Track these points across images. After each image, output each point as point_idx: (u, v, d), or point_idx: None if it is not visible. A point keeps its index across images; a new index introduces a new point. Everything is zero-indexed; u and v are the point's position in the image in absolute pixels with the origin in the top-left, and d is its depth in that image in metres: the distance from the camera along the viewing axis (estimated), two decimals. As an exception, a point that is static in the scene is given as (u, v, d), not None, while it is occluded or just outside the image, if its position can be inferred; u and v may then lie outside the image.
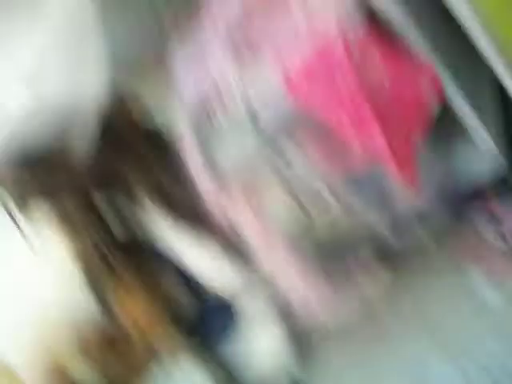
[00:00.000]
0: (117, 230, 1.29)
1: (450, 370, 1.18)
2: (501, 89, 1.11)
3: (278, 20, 1.18)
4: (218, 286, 1.31)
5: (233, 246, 1.19)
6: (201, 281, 1.36)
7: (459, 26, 0.98)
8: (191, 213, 1.18)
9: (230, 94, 1.12)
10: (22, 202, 1.22)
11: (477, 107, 1.19)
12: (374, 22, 1.07)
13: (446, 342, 1.22)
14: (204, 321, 1.53)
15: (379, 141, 1.01)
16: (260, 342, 1.43)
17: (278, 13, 1.18)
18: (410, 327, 1.28)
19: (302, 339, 1.42)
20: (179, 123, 1.13)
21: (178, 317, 1.51)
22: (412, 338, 1.27)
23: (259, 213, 1.17)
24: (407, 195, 1.11)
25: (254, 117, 1.05)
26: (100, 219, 1.27)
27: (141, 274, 1.43)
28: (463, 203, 1.37)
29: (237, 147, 1.08)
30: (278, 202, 1.19)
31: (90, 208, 1.24)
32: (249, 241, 1.17)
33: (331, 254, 1.30)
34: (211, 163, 1.10)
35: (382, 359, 1.29)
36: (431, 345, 1.23)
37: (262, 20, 1.19)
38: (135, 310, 1.44)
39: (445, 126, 1.30)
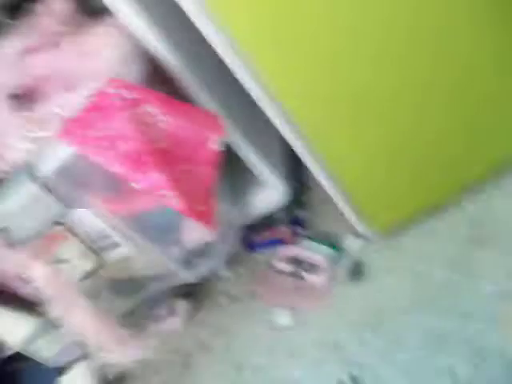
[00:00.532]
0: None
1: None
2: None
3: (57, 62, 1.18)
4: (15, 341, 1.24)
5: (24, 301, 1.14)
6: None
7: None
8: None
9: (6, 142, 1.08)
10: None
11: (260, 150, 1.26)
12: (155, 69, 1.10)
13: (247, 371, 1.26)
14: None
15: (160, 181, 1.02)
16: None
17: (57, 56, 1.18)
18: (216, 360, 1.31)
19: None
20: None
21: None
22: (214, 368, 1.30)
23: (49, 264, 1.14)
24: (199, 231, 1.13)
25: (30, 166, 1.02)
26: None
27: None
28: (255, 234, 1.43)
29: (17, 199, 1.04)
30: (68, 248, 1.16)
31: None
32: (41, 290, 1.13)
33: (127, 291, 1.30)
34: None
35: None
36: (235, 375, 1.27)
37: (40, 64, 1.18)
38: None
39: (237, 169, 1.37)
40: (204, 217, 1.07)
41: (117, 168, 1.00)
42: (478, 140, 1.15)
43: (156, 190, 1.02)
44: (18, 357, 1.33)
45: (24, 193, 1.04)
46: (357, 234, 1.28)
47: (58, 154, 1.01)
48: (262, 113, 1.10)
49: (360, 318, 1.18)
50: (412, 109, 1.10)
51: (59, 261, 1.17)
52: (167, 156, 1.06)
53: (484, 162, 1.17)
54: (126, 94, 1.03)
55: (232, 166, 1.36)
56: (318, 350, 1.18)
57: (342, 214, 1.25)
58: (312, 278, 1.27)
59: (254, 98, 1.07)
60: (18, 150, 1.07)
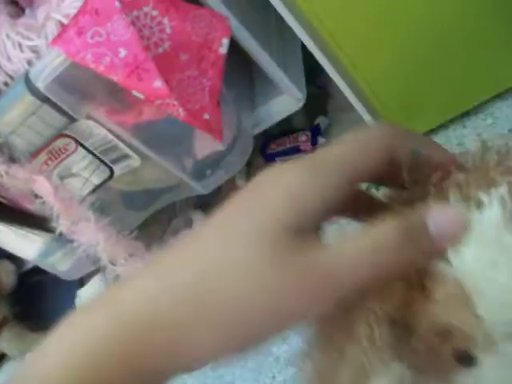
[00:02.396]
0: None
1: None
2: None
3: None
4: (26, 254, 1.24)
5: (29, 214, 1.12)
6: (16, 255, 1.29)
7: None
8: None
9: (2, 51, 1.03)
10: None
11: (275, 54, 1.18)
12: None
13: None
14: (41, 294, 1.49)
15: (163, 89, 0.97)
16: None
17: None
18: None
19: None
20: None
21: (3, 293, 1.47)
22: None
23: (58, 178, 1.11)
24: (210, 141, 1.08)
25: (28, 76, 0.97)
26: None
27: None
28: (273, 143, 1.38)
29: (16, 111, 1.00)
30: (76, 161, 1.13)
31: None
32: (48, 205, 1.10)
33: (139, 204, 1.27)
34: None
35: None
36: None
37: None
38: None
39: (244, 72, 1.30)
40: (210, 125, 1.02)
41: (117, 76, 0.94)
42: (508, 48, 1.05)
43: (159, 98, 0.97)
44: (38, 270, 1.33)
45: (23, 105, 0.99)
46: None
47: (55, 63, 0.95)
48: (278, 16, 1.02)
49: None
50: (437, 5, 1.00)
51: (68, 174, 1.14)
52: (170, 61, 1.00)
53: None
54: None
55: (247, 72, 1.30)
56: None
57: (363, 122, 1.17)
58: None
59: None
60: (15, 59, 1.01)
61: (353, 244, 0.28)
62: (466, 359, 0.37)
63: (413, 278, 0.36)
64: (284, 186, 0.30)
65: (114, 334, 0.27)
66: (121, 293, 0.30)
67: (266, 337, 0.28)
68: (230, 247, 0.26)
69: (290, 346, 1.08)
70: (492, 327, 0.35)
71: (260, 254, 0.25)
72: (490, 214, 0.34)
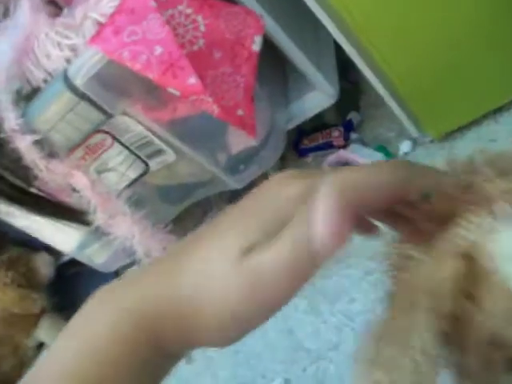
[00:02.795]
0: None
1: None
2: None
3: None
4: (64, 246, 1.27)
5: (67, 208, 1.15)
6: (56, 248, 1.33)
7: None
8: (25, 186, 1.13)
9: (42, 49, 1.06)
10: None
11: (308, 51, 1.19)
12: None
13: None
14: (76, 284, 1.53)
15: (198, 86, 0.98)
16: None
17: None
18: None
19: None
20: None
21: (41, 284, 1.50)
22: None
23: (95, 172, 1.14)
24: (243, 136, 1.09)
25: (67, 74, 1.00)
26: None
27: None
28: (306, 138, 1.39)
29: (55, 108, 1.03)
30: (113, 156, 1.16)
31: None
32: (85, 199, 1.13)
33: (174, 198, 1.29)
34: (29, 124, 1.05)
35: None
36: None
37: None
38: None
39: (278, 69, 1.31)
40: (244, 121, 1.03)
41: (153, 74, 0.96)
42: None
43: (194, 94, 0.99)
44: (75, 262, 1.37)
45: (62, 102, 1.02)
46: (410, 138, 1.21)
47: (93, 61, 0.97)
48: (311, 13, 1.03)
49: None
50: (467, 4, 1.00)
51: (105, 169, 1.17)
52: (205, 59, 1.01)
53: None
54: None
55: (280, 68, 1.31)
56: (366, 261, 1.15)
57: (395, 118, 1.18)
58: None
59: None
60: (54, 57, 1.04)
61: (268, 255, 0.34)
62: None
63: (462, 287, 0.36)
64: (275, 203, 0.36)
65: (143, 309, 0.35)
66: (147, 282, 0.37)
67: (246, 320, 0.36)
68: (214, 261, 0.34)
69: (321, 340, 1.09)
70: None
71: (229, 265, 0.33)
72: None
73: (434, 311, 0.36)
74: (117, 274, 1.41)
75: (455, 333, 0.38)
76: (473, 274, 0.36)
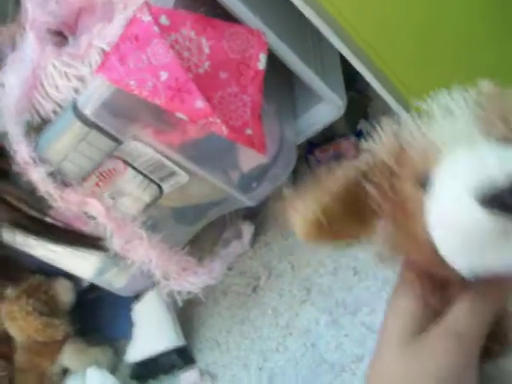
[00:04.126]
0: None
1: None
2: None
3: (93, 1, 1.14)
4: (82, 273, 1.28)
5: (83, 235, 1.16)
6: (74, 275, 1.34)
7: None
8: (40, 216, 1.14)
9: (50, 81, 1.07)
10: None
11: (313, 63, 1.19)
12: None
13: (311, 290, 1.25)
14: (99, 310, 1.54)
15: (206, 109, 0.99)
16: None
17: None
18: (283, 282, 1.30)
19: (179, 312, 1.43)
20: (3, 120, 1.08)
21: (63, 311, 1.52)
22: (285, 294, 1.29)
23: (109, 198, 1.15)
24: (251, 154, 1.10)
25: (76, 104, 1.01)
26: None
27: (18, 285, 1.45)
28: (317, 150, 1.39)
29: (65, 138, 1.04)
30: (126, 181, 1.16)
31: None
32: (101, 225, 1.14)
33: (189, 218, 1.30)
34: (41, 156, 1.06)
35: (256, 315, 1.31)
36: (302, 296, 1.26)
37: (79, 3, 1.15)
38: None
39: (283, 83, 1.31)
40: (253, 140, 1.03)
41: (160, 100, 0.97)
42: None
43: (202, 118, 0.99)
44: (95, 287, 1.37)
45: (72, 131, 1.03)
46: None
47: (99, 91, 0.98)
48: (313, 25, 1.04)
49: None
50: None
51: (119, 195, 1.17)
52: (211, 81, 1.02)
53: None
54: (161, 19, 0.98)
55: (286, 82, 1.31)
56: (383, 270, 1.14)
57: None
58: (375, 194, 1.22)
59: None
60: (62, 88, 1.05)
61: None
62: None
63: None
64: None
65: None
66: None
67: None
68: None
69: (344, 353, 1.09)
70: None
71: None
72: None
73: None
74: (137, 297, 1.42)
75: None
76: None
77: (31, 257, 1.24)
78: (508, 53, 1.07)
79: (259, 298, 1.31)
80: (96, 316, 1.56)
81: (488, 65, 1.07)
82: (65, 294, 1.52)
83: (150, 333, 1.38)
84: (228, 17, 1.07)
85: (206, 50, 1.02)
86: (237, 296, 1.35)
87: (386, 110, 1.23)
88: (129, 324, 1.44)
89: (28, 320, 1.46)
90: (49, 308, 1.50)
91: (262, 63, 1.04)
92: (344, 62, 1.21)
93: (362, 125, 1.36)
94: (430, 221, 0.42)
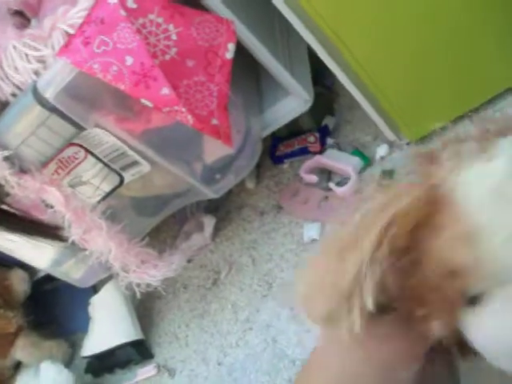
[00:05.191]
0: None
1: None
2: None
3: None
4: (39, 263, 1.25)
5: (41, 224, 1.12)
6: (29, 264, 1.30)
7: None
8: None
9: (10, 62, 1.03)
10: None
11: (281, 56, 1.18)
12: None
13: (273, 284, 1.24)
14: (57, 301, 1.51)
15: (171, 96, 0.97)
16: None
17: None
18: (244, 276, 1.29)
19: (138, 305, 1.40)
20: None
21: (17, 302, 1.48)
22: (243, 284, 1.28)
23: (69, 186, 1.12)
24: (218, 145, 1.08)
25: (36, 87, 0.97)
26: None
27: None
28: (281, 145, 1.38)
29: (25, 122, 1.00)
30: (87, 169, 1.13)
31: None
32: (60, 214, 1.11)
33: (150, 209, 1.27)
34: (2, 140, 1.02)
35: (216, 309, 1.29)
36: (263, 291, 1.25)
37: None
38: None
39: (251, 75, 1.30)
40: (219, 130, 1.02)
41: (125, 85, 0.95)
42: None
43: (168, 105, 0.97)
44: (51, 278, 1.34)
45: (31, 115, 1.00)
46: (387, 142, 1.21)
47: (61, 74, 0.95)
48: (284, 18, 1.02)
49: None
50: (442, 9, 1.00)
51: (78, 183, 1.14)
52: (177, 68, 1.00)
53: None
54: (128, 2, 0.96)
55: (254, 75, 1.30)
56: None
57: (370, 121, 1.17)
58: (339, 190, 1.21)
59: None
60: (22, 70, 1.02)
61: None
62: (470, 298, 0.40)
63: (421, 214, 0.41)
64: None
65: None
66: None
67: None
68: None
69: (305, 348, 1.08)
70: (498, 268, 0.38)
71: None
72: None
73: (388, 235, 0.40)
74: (94, 289, 1.39)
75: (411, 265, 0.42)
76: (433, 201, 0.41)
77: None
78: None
79: (219, 291, 1.29)
80: (51, 308, 1.52)
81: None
82: (19, 284, 1.48)
83: (107, 326, 1.35)
84: (197, 4, 1.05)
85: (174, 37, 1.00)
86: (197, 289, 1.33)
87: (354, 107, 1.23)
88: (85, 317, 1.41)
89: (-21, 312, 1.41)
90: (2, 299, 1.46)
91: (230, 53, 1.02)
92: (311, 56, 1.21)
93: (328, 120, 1.35)
94: (480, 331, 0.41)
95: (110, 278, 1.31)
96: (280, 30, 1.24)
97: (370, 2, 0.99)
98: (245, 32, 1.08)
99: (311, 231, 1.22)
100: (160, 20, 0.97)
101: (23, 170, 1.05)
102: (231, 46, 1.02)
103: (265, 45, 1.12)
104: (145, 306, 1.39)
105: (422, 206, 0.41)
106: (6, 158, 1.01)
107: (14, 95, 1.03)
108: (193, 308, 1.32)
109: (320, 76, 1.33)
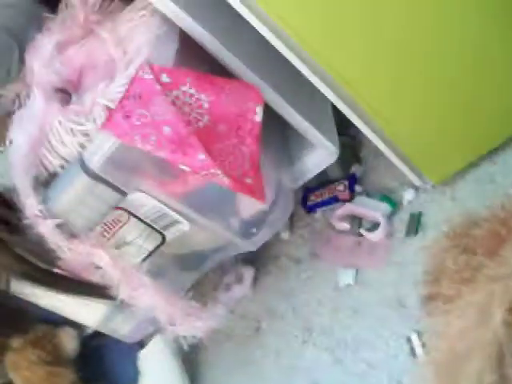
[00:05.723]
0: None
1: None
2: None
3: (95, 52, 1.20)
4: (88, 321, 1.31)
5: (91, 285, 1.19)
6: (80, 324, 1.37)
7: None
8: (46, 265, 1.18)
9: (56, 137, 1.12)
10: None
11: (306, 112, 1.25)
12: (187, 46, 1.10)
13: (312, 330, 1.29)
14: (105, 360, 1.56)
15: (207, 161, 1.04)
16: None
17: (94, 46, 1.20)
18: (283, 324, 1.34)
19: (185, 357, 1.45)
20: (12, 175, 1.13)
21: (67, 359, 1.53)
22: (283, 331, 1.33)
23: (114, 248, 1.19)
24: (250, 202, 1.14)
25: (82, 159, 1.06)
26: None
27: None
28: (312, 195, 1.44)
29: (73, 192, 1.09)
30: (130, 230, 1.20)
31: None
32: (108, 275, 1.18)
33: (191, 265, 1.34)
34: (49, 209, 1.10)
35: (259, 356, 1.34)
36: (304, 337, 1.30)
37: (79, 56, 1.21)
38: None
39: (278, 131, 1.37)
40: (253, 189, 1.08)
41: (164, 153, 1.02)
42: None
43: (204, 169, 1.04)
44: (99, 334, 1.40)
45: (79, 185, 1.07)
46: (412, 186, 1.26)
47: (105, 146, 1.03)
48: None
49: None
50: (454, 55, 1.06)
51: (123, 244, 1.21)
52: (211, 134, 1.07)
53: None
54: (162, 77, 1.04)
55: (281, 131, 1.37)
56: (381, 309, 1.18)
57: (395, 167, 1.23)
58: (371, 235, 1.27)
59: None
60: (68, 143, 1.10)
61: None
62: None
63: None
64: None
65: None
66: None
67: None
68: None
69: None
70: None
71: None
72: None
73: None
74: (141, 343, 1.45)
75: None
76: None
77: (37, 307, 1.27)
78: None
79: (261, 340, 1.34)
80: (100, 363, 1.58)
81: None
82: (69, 342, 1.54)
83: (157, 380, 1.40)
84: (226, 72, 1.13)
85: (205, 105, 1.07)
86: (239, 339, 1.38)
87: (379, 154, 1.29)
88: (133, 372, 1.46)
89: (33, 370, 1.47)
90: (53, 357, 1.52)
91: (258, 115, 1.09)
92: (334, 106, 1.27)
93: (355, 168, 1.42)
94: None
95: (156, 332, 1.36)
96: (303, 85, 1.30)
97: (379, 48, 1.04)
98: (272, 94, 1.15)
99: (346, 276, 1.27)
100: (192, 91, 1.05)
101: (73, 235, 1.13)
102: (259, 109, 1.09)
103: (291, 105, 1.19)
104: (190, 358, 1.44)
105: None
106: (57, 226, 1.09)
107: (61, 167, 1.11)
108: (236, 357, 1.37)
109: (344, 126, 1.40)
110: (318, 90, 1.13)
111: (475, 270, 0.49)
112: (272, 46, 1.03)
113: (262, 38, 1.02)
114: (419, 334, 1.10)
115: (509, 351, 0.40)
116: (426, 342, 1.02)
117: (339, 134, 1.32)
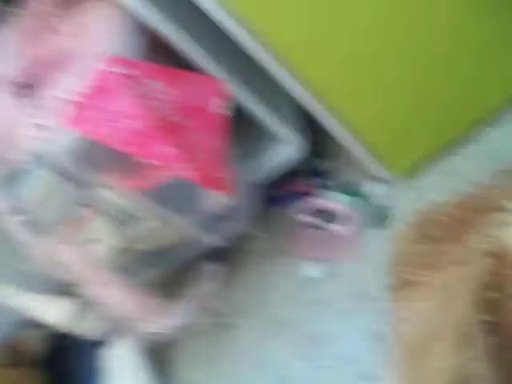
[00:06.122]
0: None
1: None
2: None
3: (55, 45, 1.18)
4: (54, 320, 1.29)
5: (57, 282, 1.17)
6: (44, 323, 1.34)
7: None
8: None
9: (17, 132, 1.09)
10: None
11: (272, 107, 1.25)
12: (150, 39, 1.09)
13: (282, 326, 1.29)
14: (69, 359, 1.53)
15: (172, 154, 1.03)
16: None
17: (54, 39, 1.18)
18: (251, 319, 1.33)
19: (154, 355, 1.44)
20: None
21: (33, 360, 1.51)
22: (253, 326, 1.32)
23: (80, 245, 1.17)
24: (218, 196, 1.13)
25: (41, 153, 1.04)
26: None
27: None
28: (277, 190, 1.44)
29: (34, 188, 1.06)
30: (97, 227, 1.19)
31: None
32: (72, 272, 1.16)
33: (157, 261, 1.32)
34: (14, 205, 1.08)
35: (230, 352, 1.34)
36: (273, 332, 1.29)
37: (39, 49, 1.19)
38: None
39: (246, 128, 1.36)
40: (219, 183, 1.07)
41: (127, 147, 1.01)
42: (490, 71, 1.11)
43: (169, 163, 1.03)
44: (67, 334, 1.38)
45: (39, 181, 1.05)
46: (377, 179, 1.27)
47: (66, 139, 1.01)
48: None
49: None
50: (417, 42, 1.07)
51: (89, 241, 1.19)
52: (176, 127, 1.06)
53: (499, 94, 1.14)
54: (125, 70, 1.03)
55: (246, 126, 1.36)
56: (349, 301, 1.19)
57: (361, 161, 1.23)
58: (337, 228, 1.27)
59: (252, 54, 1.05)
60: (27, 138, 1.08)
61: None
62: None
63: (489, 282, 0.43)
64: None
65: None
66: None
67: None
68: None
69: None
70: None
71: None
72: None
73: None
74: (108, 342, 1.43)
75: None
76: (501, 268, 0.43)
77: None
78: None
79: (230, 335, 1.34)
80: (67, 363, 1.55)
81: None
82: (35, 344, 1.51)
83: (125, 378, 1.38)
84: (191, 67, 1.12)
85: (169, 98, 1.06)
86: (207, 335, 1.37)
87: (342, 148, 1.29)
88: (100, 370, 1.44)
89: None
90: (19, 360, 1.49)
91: (224, 109, 1.09)
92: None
93: (319, 162, 1.42)
94: None
95: (123, 329, 1.35)
96: (269, 82, 1.30)
97: (343, 39, 1.04)
98: (237, 87, 1.14)
99: (313, 270, 1.27)
100: (155, 84, 1.04)
101: (38, 233, 1.11)
102: (224, 103, 1.08)
103: (256, 97, 1.19)
104: (161, 355, 1.43)
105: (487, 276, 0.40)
106: (23, 222, 1.07)
107: (23, 163, 1.08)
108: (207, 353, 1.36)
109: (310, 120, 1.39)
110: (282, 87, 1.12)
111: (439, 256, 0.49)
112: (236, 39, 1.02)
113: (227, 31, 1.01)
114: (386, 325, 1.10)
115: (476, 332, 0.40)
116: (393, 331, 1.02)
117: (305, 128, 1.32)
